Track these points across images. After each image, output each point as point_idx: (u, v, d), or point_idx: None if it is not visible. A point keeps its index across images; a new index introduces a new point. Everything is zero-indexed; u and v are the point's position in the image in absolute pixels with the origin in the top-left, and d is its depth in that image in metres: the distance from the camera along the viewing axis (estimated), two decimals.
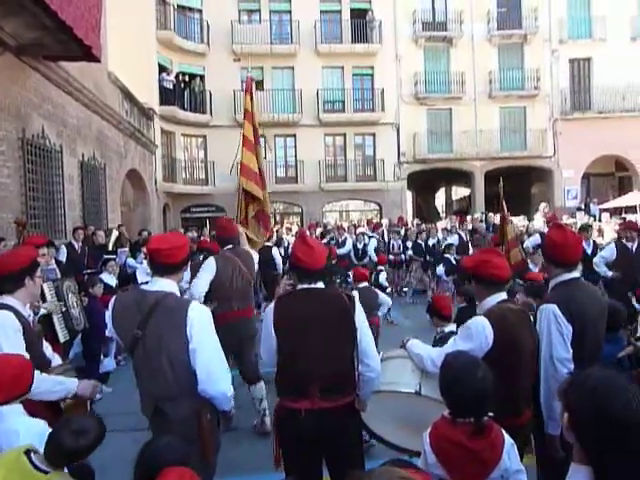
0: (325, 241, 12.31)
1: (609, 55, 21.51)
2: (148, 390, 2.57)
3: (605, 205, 19.95)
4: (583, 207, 20.17)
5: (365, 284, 6.19)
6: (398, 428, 2.97)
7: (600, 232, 11.46)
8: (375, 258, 11.22)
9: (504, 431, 2.16)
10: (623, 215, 15.21)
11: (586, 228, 9.19)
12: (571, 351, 2.69)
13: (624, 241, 7.26)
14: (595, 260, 7.34)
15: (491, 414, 2.12)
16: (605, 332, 2.92)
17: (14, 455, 2.02)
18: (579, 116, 22.01)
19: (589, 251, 8.15)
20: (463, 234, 12.20)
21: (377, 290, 6.51)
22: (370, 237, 12.78)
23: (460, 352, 2.39)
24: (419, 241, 12.35)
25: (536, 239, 9.26)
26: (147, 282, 2.77)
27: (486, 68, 22.09)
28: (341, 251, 12.30)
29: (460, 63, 22.12)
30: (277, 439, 2.71)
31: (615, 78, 21.47)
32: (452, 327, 3.88)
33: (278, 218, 23.30)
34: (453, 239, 11.77)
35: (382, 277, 9.90)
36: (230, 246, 4.98)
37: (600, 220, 14.69)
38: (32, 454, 2.02)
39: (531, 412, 2.72)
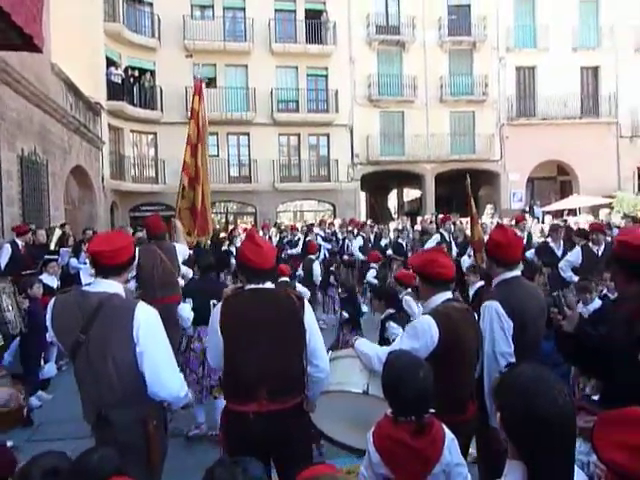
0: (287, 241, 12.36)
1: (552, 64, 22.51)
2: (91, 396, 2.45)
3: (548, 208, 20.83)
4: (528, 209, 20.97)
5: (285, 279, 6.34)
6: (348, 428, 2.97)
7: (543, 233, 11.94)
8: (360, 256, 11.33)
9: (445, 426, 2.19)
10: (564, 217, 15.92)
11: (555, 229, 8.80)
12: (512, 346, 2.80)
13: (590, 244, 7.07)
14: (561, 265, 7.21)
15: (432, 411, 2.15)
16: (545, 329, 3.04)
17: None
18: (524, 122, 22.90)
19: (559, 253, 7.95)
20: (446, 234, 12.11)
21: (297, 284, 6.67)
22: (356, 235, 12.71)
23: (402, 351, 2.42)
24: (400, 240, 12.45)
25: (575, 257, 7.52)
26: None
27: (437, 73, 22.62)
28: (293, 251, 12.30)
29: (412, 67, 22.56)
30: (225, 443, 2.65)
31: (557, 86, 22.49)
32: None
33: (231, 218, 23.05)
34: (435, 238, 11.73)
35: (370, 275, 9.80)
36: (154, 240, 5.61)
37: (543, 222, 15.32)
38: None
39: (476, 407, 2.78)
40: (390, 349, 2.69)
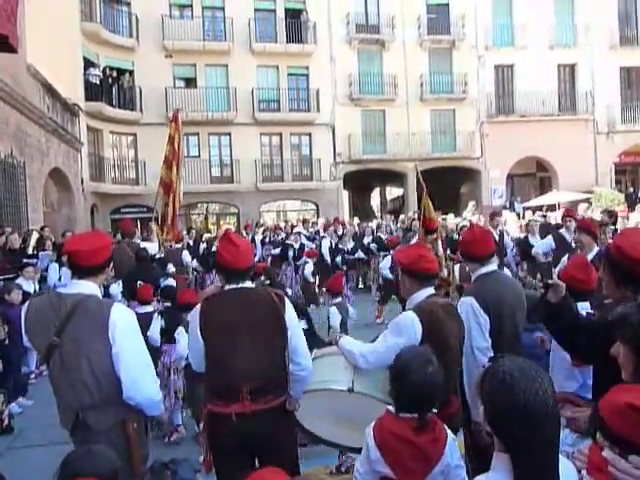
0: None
1: (530, 62, 22.78)
2: (67, 400, 2.40)
3: (528, 204, 21.10)
4: (508, 205, 21.22)
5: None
6: (332, 426, 2.96)
7: (521, 228, 12.10)
8: (328, 258, 11.40)
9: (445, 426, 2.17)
10: (543, 213, 16.14)
11: (532, 224, 9.52)
12: (490, 340, 2.84)
13: (562, 231, 7.34)
14: (533, 251, 7.77)
15: (435, 410, 2.13)
16: (525, 322, 3.08)
17: None
18: (503, 119, 23.14)
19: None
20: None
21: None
22: (322, 237, 12.69)
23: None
24: (380, 235, 12.49)
25: (548, 243, 7.57)
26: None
27: (417, 71, 22.74)
28: (276, 251, 12.27)
29: (393, 66, 22.64)
30: (208, 444, 2.62)
31: (535, 84, 22.76)
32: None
33: (214, 219, 22.90)
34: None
35: (308, 269, 10.11)
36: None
37: (523, 217, 15.53)
38: None
39: (459, 401, 2.80)
40: (375, 346, 2.69)
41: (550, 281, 2.43)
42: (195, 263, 11.19)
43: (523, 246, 8.91)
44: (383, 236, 12.38)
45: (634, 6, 23.79)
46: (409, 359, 2.17)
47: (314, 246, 13.11)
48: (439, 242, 6.47)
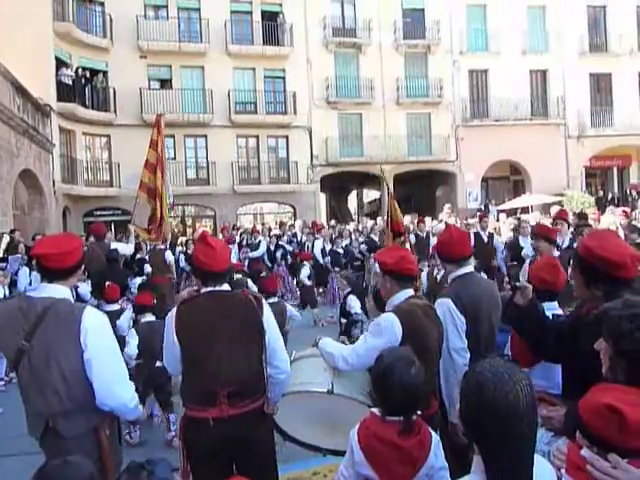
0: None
1: (503, 67, 23.23)
2: (37, 407, 2.32)
3: (502, 206, 21.46)
4: (483, 208, 21.53)
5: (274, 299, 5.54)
6: (312, 428, 2.94)
7: (497, 230, 12.25)
8: (322, 260, 11.34)
9: (430, 428, 2.16)
10: (518, 215, 16.41)
11: (522, 225, 9.17)
12: (466, 341, 2.86)
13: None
14: (523, 253, 7.53)
15: (419, 412, 2.12)
16: (501, 322, 3.11)
17: None
18: (478, 123, 23.51)
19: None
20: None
21: (286, 304, 6.15)
22: (316, 238, 12.58)
23: (395, 348, 2.38)
24: (373, 236, 12.50)
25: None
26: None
27: (393, 75, 22.92)
28: (254, 254, 12.19)
29: (369, 69, 22.79)
30: (184, 451, 2.56)
31: (508, 88, 23.21)
32: None
33: (190, 222, 22.64)
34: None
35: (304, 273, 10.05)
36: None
37: (498, 220, 15.76)
38: None
39: (438, 402, 2.81)
40: (355, 348, 2.68)
41: (518, 284, 2.43)
42: (183, 263, 11.38)
43: (513, 248, 8.80)
44: (375, 237, 12.35)
45: (603, 15, 24.47)
46: (392, 362, 2.14)
47: (291, 249, 13.10)
48: (407, 245, 6.49)
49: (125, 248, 8.10)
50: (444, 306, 2.93)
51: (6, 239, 8.95)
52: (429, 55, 23.50)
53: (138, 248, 9.70)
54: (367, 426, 2.10)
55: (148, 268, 9.07)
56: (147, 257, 9.57)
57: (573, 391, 2.15)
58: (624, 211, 9.82)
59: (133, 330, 4.86)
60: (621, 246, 2.25)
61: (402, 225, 6.60)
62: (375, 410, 2.15)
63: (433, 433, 2.15)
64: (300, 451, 3.14)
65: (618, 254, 2.12)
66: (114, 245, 8.19)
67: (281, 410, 2.73)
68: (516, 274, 7.35)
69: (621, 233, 7.66)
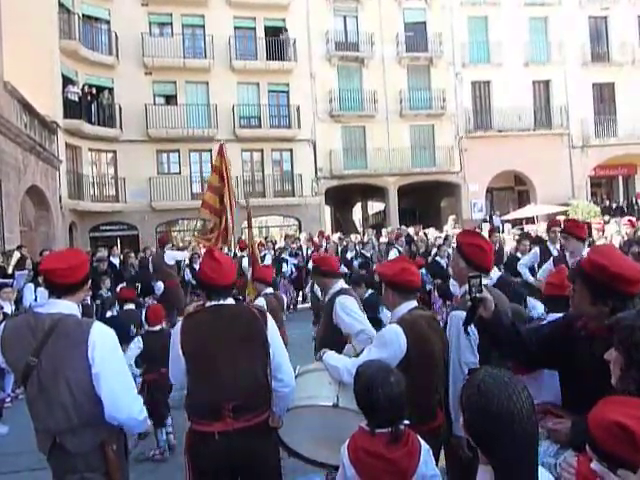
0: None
1: (505, 78, 23.33)
2: (45, 423, 2.32)
3: (507, 217, 21.43)
4: (488, 219, 21.51)
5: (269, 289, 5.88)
6: (317, 443, 2.91)
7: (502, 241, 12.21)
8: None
9: (419, 437, 2.17)
10: (522, 226, 16.37)
11: (520, 240, 9.30)
12: (478, 356, 2.82)
13: (549, 244, 7.14)
14: (519, 265, 7.40)
15: (407, 422, 2.12)
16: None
17: None
18: (481, 134, 23.56)
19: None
20: (400, 249, 11.99)
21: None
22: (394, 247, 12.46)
23: (371, 361, 2.39)
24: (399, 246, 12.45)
25: (533, 255, 7.23)
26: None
27: (396, 88, 23.07)
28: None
29: (372, 82, 22.95)
30: (190, 466, 2.56)
31: (511, 99, 23.29)
32: None
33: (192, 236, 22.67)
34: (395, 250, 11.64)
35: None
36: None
37: (502, 231, 15.72)
38: None
39: (444, 415, 2.78)
40: (359, 360, 2.67)
41: (479, 295, 2.29)
42: (189, 276, 11.67)
43: (510, 261, 8.69)
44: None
45: (604, 25, 24.60)
46: (371, 375, 2.16)
47: (296, 262, 13.10)
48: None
49: (181, 255, 10.71)
50: (457, 319, 2.82)
51: (16, 256, 9.00)
52: (431, 67, 23.65)
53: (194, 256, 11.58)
54: (356, 441, 2.12)
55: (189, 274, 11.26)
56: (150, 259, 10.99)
57: (572, 404, 2.15)
58: (630, 220, 9.79)
59: (139, 338, 4.84)
60: (628, 260, 2.23)
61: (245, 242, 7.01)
62: (363, 425, 2.15)
63: (422, 442, 2.15)
64: (305, 465, 3.12)
65: (630, 269, 2.08)
66: (172, 253, 10.39)
67: (286, 424, 2.72)
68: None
69: (616, 242, 7.52)
